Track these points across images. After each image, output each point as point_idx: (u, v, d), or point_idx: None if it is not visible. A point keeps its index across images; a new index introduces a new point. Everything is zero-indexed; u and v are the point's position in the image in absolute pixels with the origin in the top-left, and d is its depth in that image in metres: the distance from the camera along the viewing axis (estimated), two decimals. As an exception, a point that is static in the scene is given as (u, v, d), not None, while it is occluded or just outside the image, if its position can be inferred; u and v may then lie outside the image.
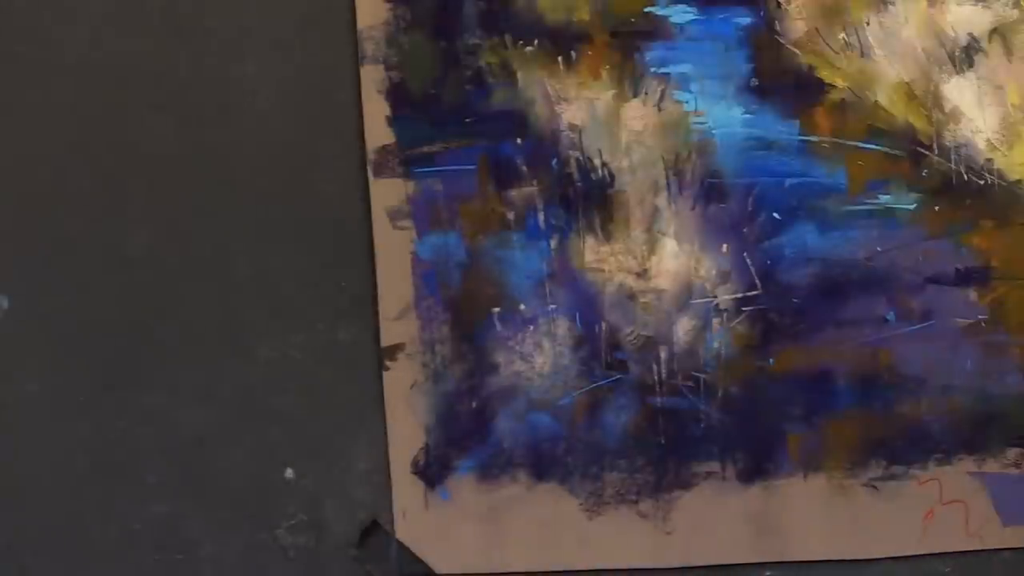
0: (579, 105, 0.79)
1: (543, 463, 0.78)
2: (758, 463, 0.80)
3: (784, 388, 0.80)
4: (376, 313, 0.78)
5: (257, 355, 0.77)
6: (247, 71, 0.77)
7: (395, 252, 0.78)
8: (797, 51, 0.80)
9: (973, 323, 0.81)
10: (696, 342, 0.80)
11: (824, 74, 0.81)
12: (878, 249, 0.81)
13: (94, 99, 0.76)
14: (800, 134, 0.80)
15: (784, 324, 0.80)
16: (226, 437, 0.77)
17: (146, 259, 0.76)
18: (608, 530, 0.79)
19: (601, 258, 0.79)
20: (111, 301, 0.76)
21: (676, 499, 0.79)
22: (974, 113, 0.81)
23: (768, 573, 0.79)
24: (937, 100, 0.81)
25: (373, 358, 0.78)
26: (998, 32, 0.81)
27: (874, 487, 0.81)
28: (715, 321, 0.80)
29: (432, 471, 0.78)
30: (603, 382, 0.79)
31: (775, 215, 0.80)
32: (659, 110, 0.80)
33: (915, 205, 0.81)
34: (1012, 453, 0.82)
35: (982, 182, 0.81)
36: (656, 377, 0.79)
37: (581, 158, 0.79)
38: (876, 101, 0.81)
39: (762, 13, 0.80)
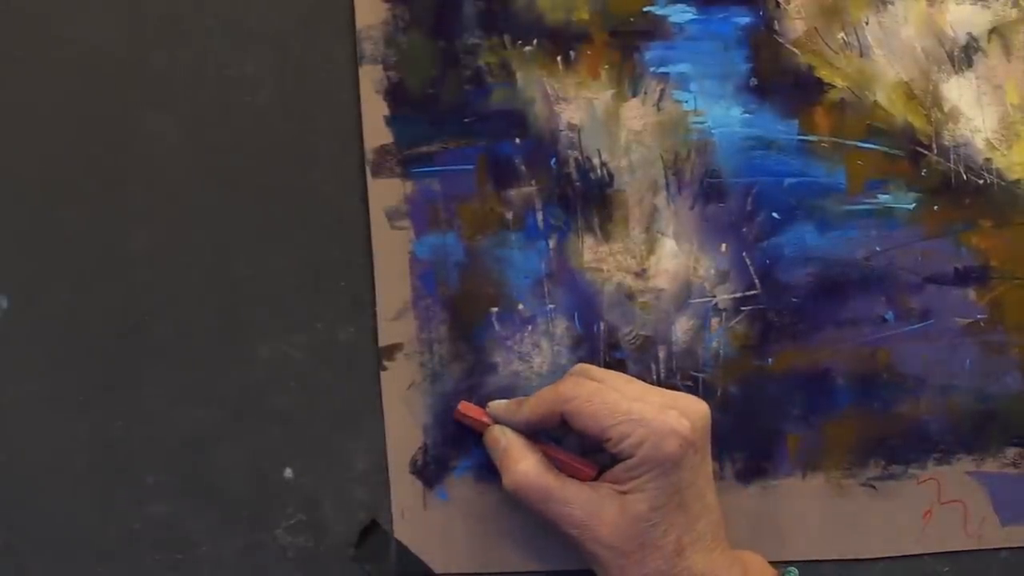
0: (578, 105, 0.79)
1: (542, 463, 0.78)
2: (756, 463, 0.80)
3: (783, 388, 0.80)
4: (375, 313, 0.78)
5: (257, 355, 0.77)
6: (246, 71, 0.77)
7: (393, 252, 0.78)
8: (796, 51, 0.80)
9: (972, 322, 0.81)
10: (695, 342, 0.80)
11: (823, 74, 0.81)
12: (877, 249, 0.81)
13: (94, 99, 0.76)
14: (799, 134, 0.80)
15: (783, 324, 0.80)
16: (225, 437, 0.77)
17: (146, 259, 0.76)
18: (607, 530, 0.78)
19: (600, 258, 0.79)
20: (111, 301, 0.76)
21: (675, 499, 0.78)
22: (973, 113, 0.81)
23: (767, 573, 0.78)
24: (936, 100, 0.81)
25: (372, 358, 0.78)
26: (997, 32, 0.81)
27: (872, 487, 0.81)
28: (714, 321, 0.80)
29: (430, 471, 0.78)
30: (602, 382, 0.78)
31: (774, 214, 0.80)
32: (658, 110, 0.80)
33: (914, 204, 0.81)
34: (1011, 453, 0.82)
35: (981, 181, 0.81)
36: (655, 377, 0.79)
37: (580, 158, 0.79)
38: (875, 101, 0.81)
39: (761, 13, 0.80)
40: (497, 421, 0.76)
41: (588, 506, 0.72)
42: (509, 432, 0.75)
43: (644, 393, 0.73)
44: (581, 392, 0.72)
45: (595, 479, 0.74)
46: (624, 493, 0.71)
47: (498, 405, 0.76)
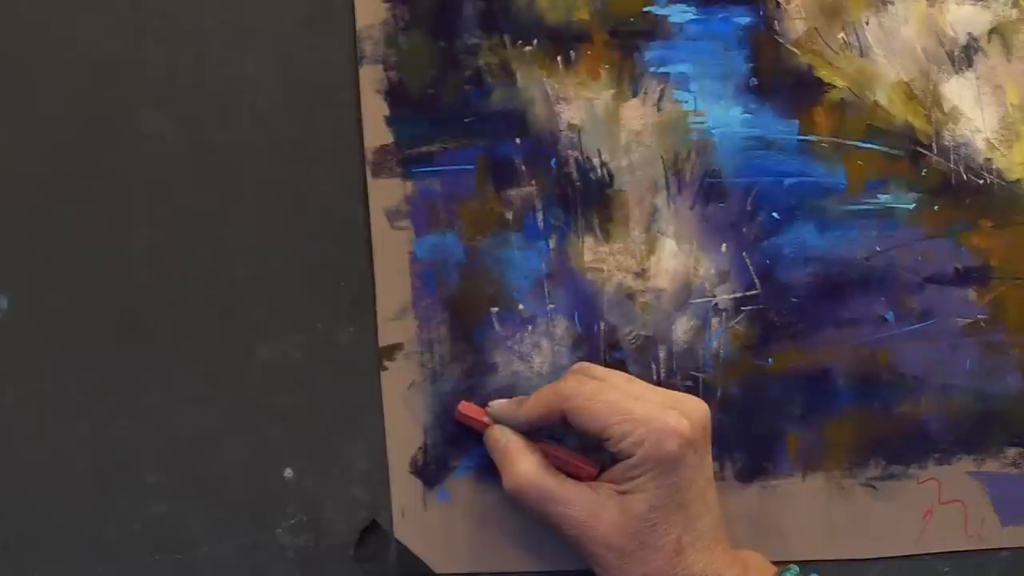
0: (578, 105, 0.79)
1: (542, 463, 0.78)
2: (757, 463, 0.80)
3: (783, 387, 0.80)
4: (375, 313, 0.78)
5: (257, 355, 0.77)
6: (246, 71, 0.77)
7: (393, 252, 0.78)
8: (796, 51, 0.80)
9: (972, 322, 0.81)
10: (695, 342, 0.80)
11: (823, 74, 0.81)
12: (877, 248, 0.81)
13: (94, 99, 0.76)
14: (799, 134, 0.80)
15: (783, 323, 0.80)
16: (225, 437, 0.77)
17: (146, 259, 0.76)
18: (607, 530, 0.78)
19: (600, 258, 0.79)
20: (111, 301, 0.76)
21: (675, 499, 0.78)
22: (973, 113, 0.81)
23: (767, 573, 0.78)
24: (936, 100, 0.81)
25: (372, 358, 0.78)
26: (997, 32, 0.81)
27: (873, 487, 0.81)
28: (714, 321, 0.80)
29: (430, 471, 0.78)
30: (602, 382, 0.78)
31: (774, 214, 0.80)
32: (658, 110, 0.80)
33: (914, 205, 0.81)
34: (1011, 453, 0.82)
35: (981, 182, 0.81)
36: (655, 377, 0.79)
37: (580, 158, 0.79)
38: (875, 101, 0.81)
39: (761, 13, 0.80)
40: (497, 421, 0.76)
41: (588, 506, 0.72)
42: (509, 432, 0.75)
43: (645, 392, 0.73)
44: (582, 390, 0.72)
45: (596, 478, 0.74)
46: (624, 493, 0.71)
47: (498, 405, 0.76)
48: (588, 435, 0.72)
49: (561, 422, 0.73)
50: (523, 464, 0.73)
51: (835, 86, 0.80)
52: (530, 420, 0.74)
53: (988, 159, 0.81)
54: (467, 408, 0.77)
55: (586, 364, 0.76)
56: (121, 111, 0.76)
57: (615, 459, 0.72)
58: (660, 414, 0.71)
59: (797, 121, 0.80)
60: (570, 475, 0.74)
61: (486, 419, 0.76)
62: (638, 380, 0.75)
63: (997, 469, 0.81)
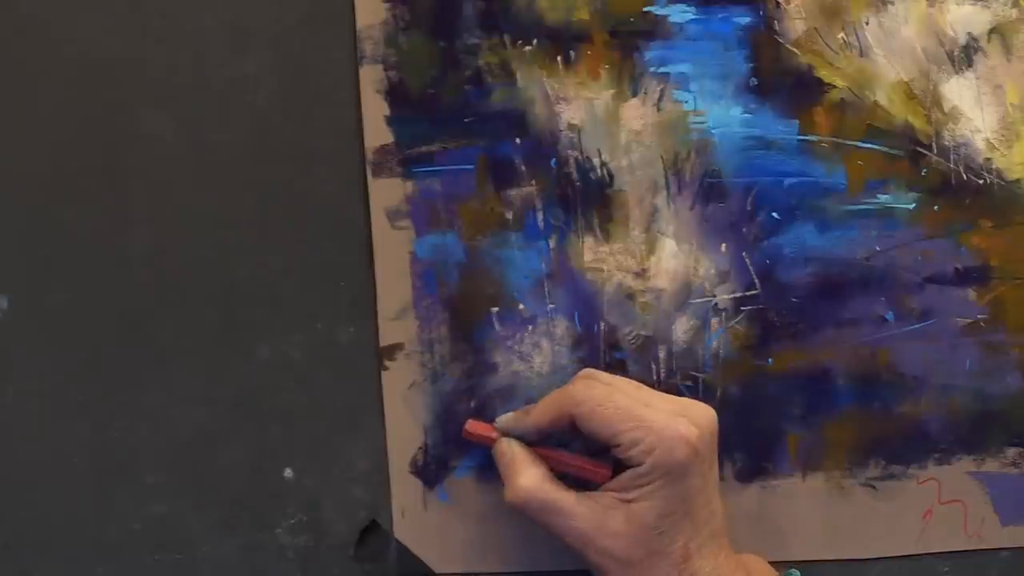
0: (578, 105, 0.79)
1: (542, 463, 0.78)
2: (757, 463, 0.80)
3: (783, 387, 0.80)
4: (375, 313, 0.78)
5: (257, 355, 0.77)
6: (246, 71, 0.77)
7: (394, 252, 0.78)
8: (796, 51, 0.80)
9: (972, 322, 0.81)
10: (695, 342, 0.80)
11: (823, 74, 0.81)
12: (877, 248, 0.81)
13: (94, 99, 0.76)
14: (799, 134, 0.80)
15: (783, 323, 0.80)
16: (225, 437, 0.77)
17: (146, 259, 0.76)
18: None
19: (600, 258, 0.79)
20: (111, 301, 0.76)
21: (675, 499, 0.78)
22: (973, 113, 0.81)
23: (767, 573, 0.78)
24: (936, 100, 0.81)
25: (372, 358, 0.78)
26: (997, 32, 0.81)
27: (873, 487, 0.81)
28: (714, 321, 0.80)
29: (431, 471, 0.78)
30: (602, 382, 0.78)
31: (774, 214, 0.80)
32: (658, 110, 0.80)
33: (914, 205, 0.81)
34: (1011, 453, 0.82)
35: (981, 182, 0.81)
36: (655, 377, 0.79)
37: (580, 158, 0.79)
38: (875, 101, 0.81)
39: (761, 13, 0.80)
40: (506, 432, 0.75)
41: (592, 518, 0.71)
42: (515, 445, 0.74)
43: (653, 399, 0.73)
44: (593, 395, 0.72)
45: (610, 479, 0.73)
46: (630, 501, 0.71)
47: (506, 417, 0.75)
48: (598, 440, 0.72)
49: (569, 427, 0.73)
50: (523, 477, 0.72)
51: (835, 86, 0.80)
52: (539, 426, 0.73)
53: (988, 159, 0.81)
54: (474, 426, 0.76)
55: (592, 370, 0.76)
56: (121, 111, 0.76)
57: (621, 465, 0.72)
58: (671, 422, 0.70)
59: (797, 121, 0.80)
60: (583, 479, 0.73)
61: (494, 435, 0.75)
62: (645, 387, 0.75)
63: (997, 469, 0.81)
